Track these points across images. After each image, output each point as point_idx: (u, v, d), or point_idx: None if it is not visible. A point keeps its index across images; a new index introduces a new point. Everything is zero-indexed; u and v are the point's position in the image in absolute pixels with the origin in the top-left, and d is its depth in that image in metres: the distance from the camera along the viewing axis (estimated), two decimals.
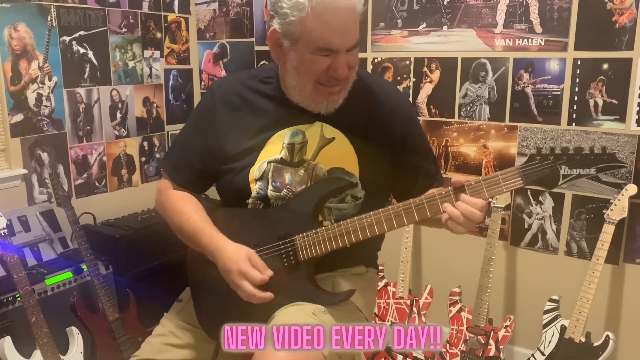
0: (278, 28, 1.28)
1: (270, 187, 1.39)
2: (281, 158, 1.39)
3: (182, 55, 3.12)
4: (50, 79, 2.48)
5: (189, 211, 1.43)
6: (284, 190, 1.39)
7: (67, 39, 2.53)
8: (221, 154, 1.42)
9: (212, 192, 1.59)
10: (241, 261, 1.30)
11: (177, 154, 1.52)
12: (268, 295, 1.29)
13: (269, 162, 1.39)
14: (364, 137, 1.38)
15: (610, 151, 1.18)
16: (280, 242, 1.35)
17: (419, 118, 1.54)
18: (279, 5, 1.25)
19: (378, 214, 1.28)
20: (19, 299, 1.98)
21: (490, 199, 1.28)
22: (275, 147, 1.39)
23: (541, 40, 2.24)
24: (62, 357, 2.02)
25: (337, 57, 1.27)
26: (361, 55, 2.65)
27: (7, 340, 1.94)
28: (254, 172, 1.40)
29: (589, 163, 1.18)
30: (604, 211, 2.10)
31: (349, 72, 1.30)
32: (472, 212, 1.21)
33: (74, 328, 2.13)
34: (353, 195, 1.39)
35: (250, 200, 1.41)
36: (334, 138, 1.38)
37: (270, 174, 1.39)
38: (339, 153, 1.38)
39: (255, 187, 1.40)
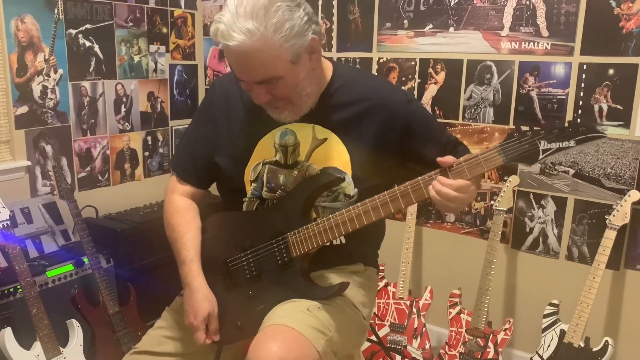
0: None
1: (265, 188, 1.42)
2: (276, 160, 1.41)
3: (187, 50, 3.12)
4: (55, 72, 2.48)
5: (180, 230, 1.46)
6: (278, 191, 1.41)
7: (73, 31, 2.54)
8: (217, 149, 1.45)
9: (214, 189, 1.60)
10: (199, 316, 1.37)
11: (182, 149, 1.56)
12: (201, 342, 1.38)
13: (264, 164, 1.42)
14: (356, 137, 1.39)
15: (588, 123, 1.19)
16: (274, 241, 1.37)
17: (421, 106, 1.52)
18: None
19: (365, 204, 1.30)
20: (20, 290, 1.99)
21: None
22: (267, 147, 1.41)
23: (547, 44, 2.24)
24: (62, 349, 2.02)
25: (250, 85, 1.29)
26: (366, 55, 2.65)
27: (8, 331, 1.94)
28: (249, 173, 1.42)
29: (567, 136, 1.19)
30: (606, 216, 2.10)
31: (272, 99, 1.30)
32: (446, 193, 1.22)
33: (74, 320, 2.14)
34: (345, 194, 1.39)
35: (245, 199, 1.44)
36: (326, 139, 1.39)
37: (265, 176, 1.41)
38: (332, 153, 1.39)
39: (250, 189, 1.43)
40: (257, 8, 1.18)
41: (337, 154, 1.38)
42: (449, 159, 1.25)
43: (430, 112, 2.50)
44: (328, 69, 1.41)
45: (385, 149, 1.38)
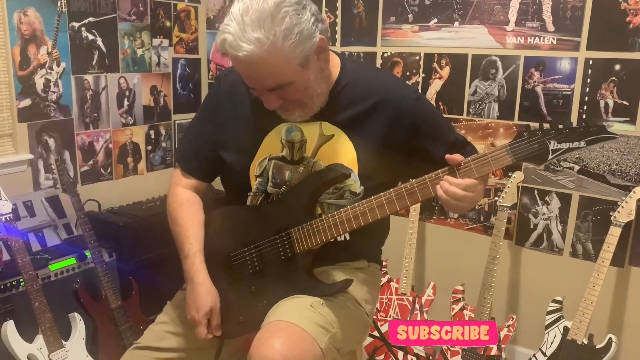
0: None
1: (270, 183, 1.41)
2: (282, 156, 1.40)
3: (190, 44, 3.11)
4: (58, 65, 2.48)
5: (184, 223, 1.45)
6: (284, 187, 1.40)
7: (76, 25, 2.53)
8: (222, 144, 1.44)
9: (218, 183, 1.59)
10: (201, 311, 1.36)
11: (186, 142, 1.56)
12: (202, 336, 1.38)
13: (270, 159, 1.41)
14: (363, 134, 1.37)
15: (600, 123, 1.17)
16: (277, 236, 1.36)
17: (429, 103, 1.51)
18: None
19: (370, 201, 1.29)
20: (22, 283, 1.99)
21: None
22: (274, 143, 1.40)
23: (553, 39, 2.22)
24: (64, 342, 2.03)
25: (261, 92, 1.28)
26: (370, 49, 2.64)
27: (10, 324, 1.94)
28: (255, 168, 1.41)
29: (578, 136, 1.17)
30: (610, 213, 2.09)
31: (283, 103, 1.30)
32: (454, 193, 1.22)
33: (76, 314, 2.13)
34: (351, 191, 1.38)
35: (250, 194, 1.43)
36: (332, 135, 1.38)
37: (270, 171, 1.40)
38: (338, 150, 1.37)
39: (255, 183, 1.42)
40: (264, 15, 1.16)
41: (343, 151, 1.37)
42: (457, 156, 1.23)
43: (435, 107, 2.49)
44: (335, 65, 1.38)
45: (393, 146, 1.37)
